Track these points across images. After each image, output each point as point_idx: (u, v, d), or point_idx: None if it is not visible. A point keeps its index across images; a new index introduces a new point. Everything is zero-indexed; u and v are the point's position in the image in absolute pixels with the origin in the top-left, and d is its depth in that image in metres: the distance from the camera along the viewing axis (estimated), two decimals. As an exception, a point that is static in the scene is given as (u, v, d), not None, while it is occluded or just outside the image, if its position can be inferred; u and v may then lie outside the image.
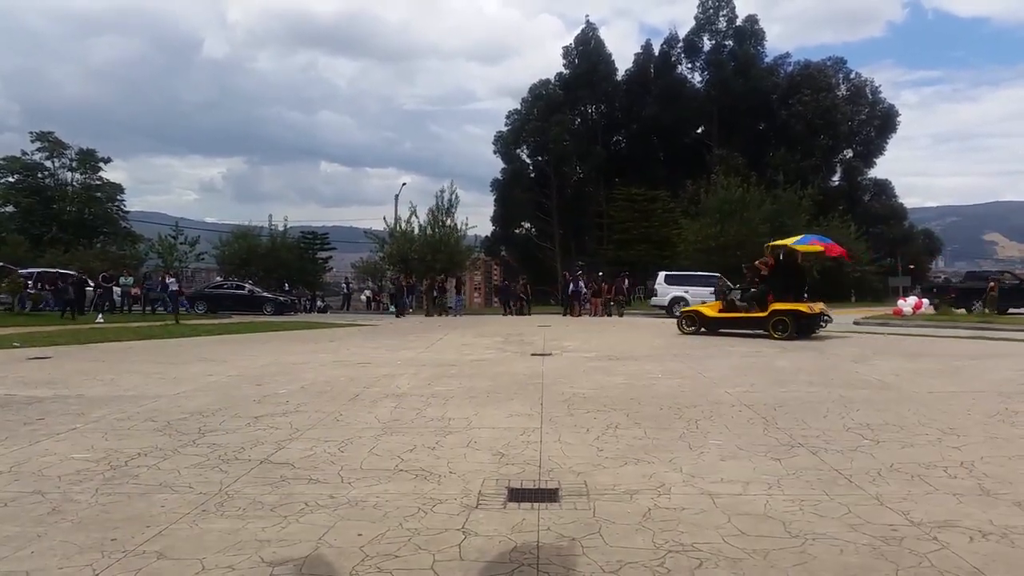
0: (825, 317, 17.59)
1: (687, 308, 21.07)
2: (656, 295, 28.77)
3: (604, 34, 63.69)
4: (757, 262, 18.71)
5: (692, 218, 40.49)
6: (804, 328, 17.03)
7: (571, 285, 30.28)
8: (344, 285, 44.55)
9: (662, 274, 29.77)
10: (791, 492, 4.77)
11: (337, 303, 40.31)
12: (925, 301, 25.21)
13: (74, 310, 24.00)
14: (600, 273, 32.82)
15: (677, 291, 27.53)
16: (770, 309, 17.15)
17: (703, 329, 18.15)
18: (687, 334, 18.06)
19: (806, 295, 18.57)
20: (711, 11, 57.59)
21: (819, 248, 18.43)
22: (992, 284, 26.39)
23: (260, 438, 6.42)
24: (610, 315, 28.34)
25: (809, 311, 17.12)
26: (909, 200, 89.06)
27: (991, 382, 9.61)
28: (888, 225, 53.93)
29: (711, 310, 18.70)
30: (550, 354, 13.45)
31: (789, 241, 18.69)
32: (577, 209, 57.99)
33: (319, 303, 37.54)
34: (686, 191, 45.09)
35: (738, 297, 18.37)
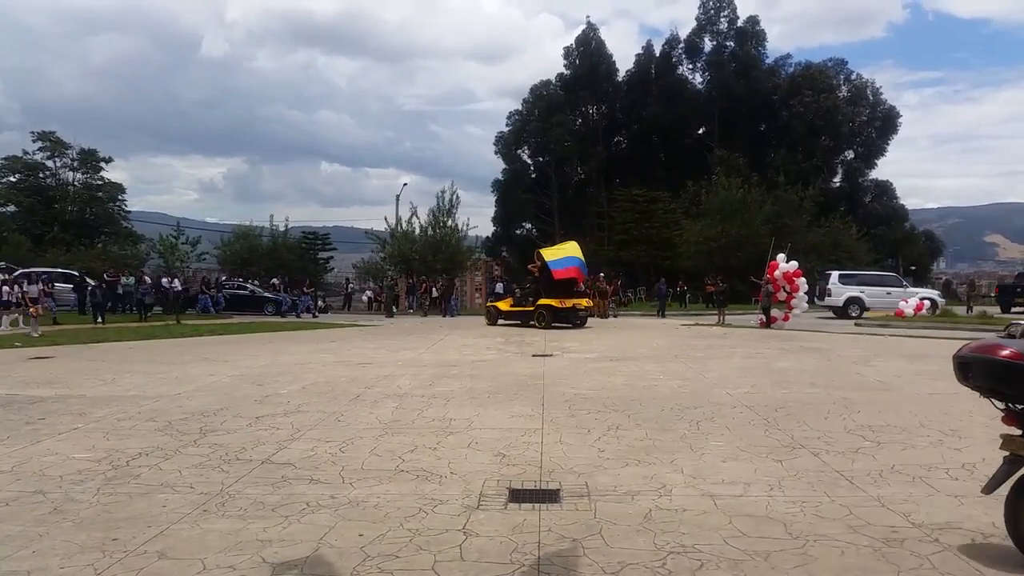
0: (582, 312, 21.55)
1: (491, 302, 25.07)
2: (829, 295, 27.16)
3: (604, 34, 63.53)
4: (530, 266, 22.68)
5: (693, 219, 40.38)
6: (561, 318, 20.87)
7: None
8: (345, 285, 44.49)
9: (835, 274, 28.16)
10: (792, 493, 4.77)
11: (338, 303, 40.26)
12: (927, 303, 25.13)
13: (101, 311, 24.03)
14: (602, 274, 32.75)
15: (853, 291, 26.67)
16: (536, 303, 21.25)
17: (500, 320, 22.57)
18: (490, 325, 22.40)
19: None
20: (712, 12, 57.47)
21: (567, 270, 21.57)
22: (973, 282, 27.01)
23: (261, 438, 6.42)
24: (606, 316, 28.24)
25: (561, 305, 20.82)
26: (910, 201, 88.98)
27: (992, 384, 9.59)
28: (889, 226, 53.74)
29: (505, 305, 23.23)
30: (551, 355, 13.45)
31: (555, 255, 22.22)
32: (578, 210, 57.89)
33: (319, 303, 37.42)
34: (687, 192, 44.96)
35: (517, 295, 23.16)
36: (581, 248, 23.23)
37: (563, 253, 22.22)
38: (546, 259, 21.63)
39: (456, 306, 31.77)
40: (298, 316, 27.79)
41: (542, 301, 21.08)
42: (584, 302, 21.99)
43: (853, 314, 25.06)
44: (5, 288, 20.74)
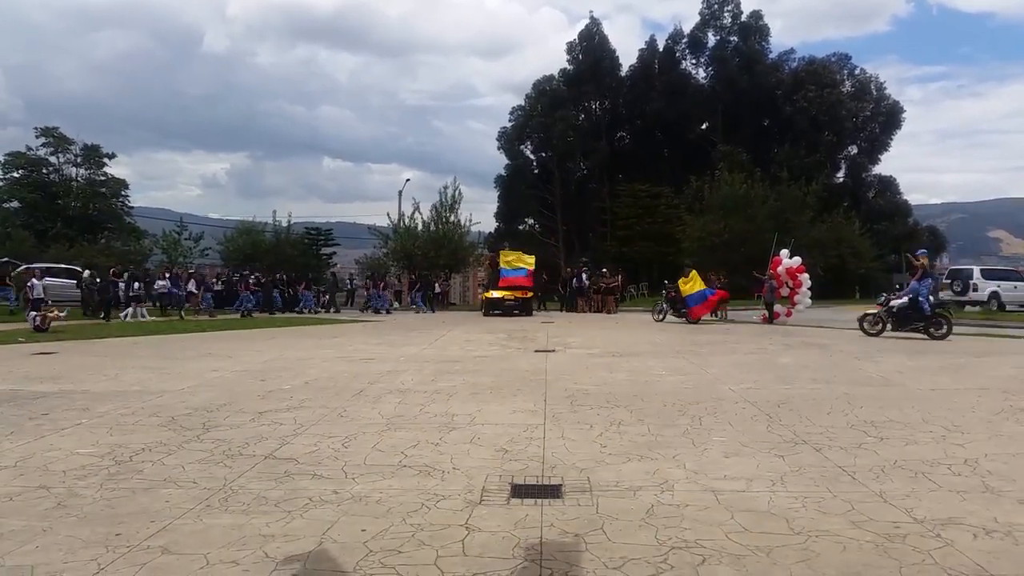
0: (508, 302, 26.25)
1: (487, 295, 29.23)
2: (975, 290, 28.90)
3: (607, 29, 63.25)
4: (489, 263, 30.65)
5: (696, 214, 40.31)
6: (494, 305, 26.26)
7: (574, 280, 30.22)
8: (348, 281, 44.52)
9: (977, 269, 30.67)
10: (794, 489, 4.77)
11: (339, 298, 40.27)
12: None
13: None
14: (604, 269, 32.70)
15: (992, 286, 28.51)
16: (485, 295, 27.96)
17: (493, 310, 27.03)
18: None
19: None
20: (715, 7, 57.23)
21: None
22: None
23: (264, 434, 6.43)
24: (611, 312, 28.20)
25: (490, 296, 26.99)
26: (913, 197, 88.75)
27: (995, 379, 9.59)
28: (892, 222, 53.58)
29: (489, 295, 28.06)
30: (553, 350, 13.45)
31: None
32: (581, 205, 57.79)
33: (323, 299, 37.41)
34: (690, 187, 44.85)
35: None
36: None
37: (517, 264, 28.17)
38: (501, 266, 28.15)
39: (423, 302, 30.70)
40: (378, 312, 29.54)
41: (485, 294, 27.89)
42: (519, 293, 26.92)
43: (993, 307, 26.68)
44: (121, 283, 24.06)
